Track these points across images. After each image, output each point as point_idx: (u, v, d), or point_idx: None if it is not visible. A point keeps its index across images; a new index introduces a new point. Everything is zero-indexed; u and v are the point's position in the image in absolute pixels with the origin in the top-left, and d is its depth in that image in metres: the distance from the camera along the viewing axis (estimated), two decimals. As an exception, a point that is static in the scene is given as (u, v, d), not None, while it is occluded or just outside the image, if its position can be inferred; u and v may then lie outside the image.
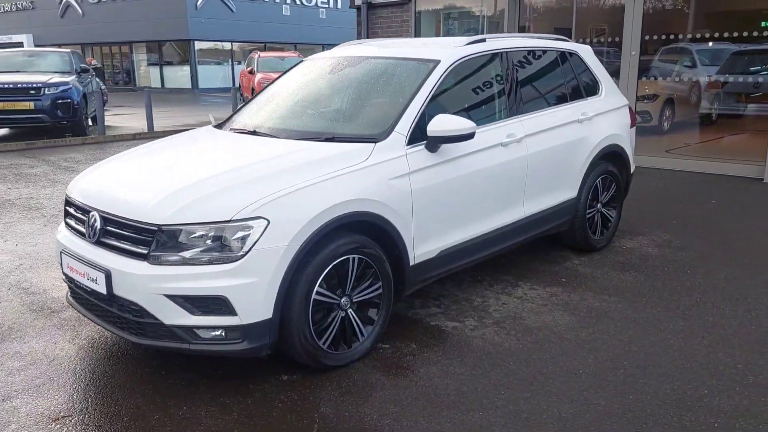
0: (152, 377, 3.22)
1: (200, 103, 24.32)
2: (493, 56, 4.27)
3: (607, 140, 5.00)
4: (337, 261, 3.16)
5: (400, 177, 3.44)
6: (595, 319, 3.87)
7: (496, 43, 4.32)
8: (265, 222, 2.90)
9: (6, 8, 40.74)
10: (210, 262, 2.87)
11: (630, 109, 5.45)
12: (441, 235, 3.74)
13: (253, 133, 3.89)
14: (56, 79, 11.86)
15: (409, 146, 3.54)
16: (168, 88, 33.90)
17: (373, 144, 3.45)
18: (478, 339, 3.62)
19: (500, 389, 3.08)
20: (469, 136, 3.59)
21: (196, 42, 33.26)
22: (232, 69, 34.68)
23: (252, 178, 3.12)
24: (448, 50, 4.01)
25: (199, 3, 32.58)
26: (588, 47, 5.28)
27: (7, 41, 39.25)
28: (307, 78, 4.42)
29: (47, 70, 12.51)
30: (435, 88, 3.76)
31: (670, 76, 9.17)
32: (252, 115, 4.25)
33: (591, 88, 5.08)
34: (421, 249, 3.61)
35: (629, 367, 3.28)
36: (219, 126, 4.30)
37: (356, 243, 3.24)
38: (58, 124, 11.86)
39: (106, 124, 13.36)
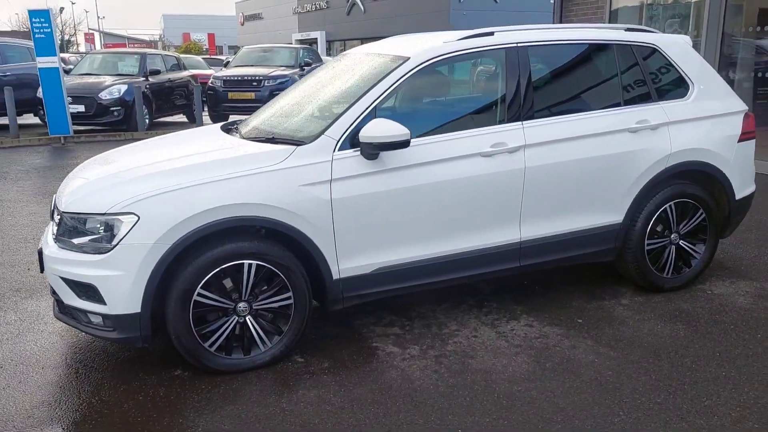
0: (79, 347, 3.54)
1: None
2: (496, 53, 3.68)
3: (684, 155, 3.97)
4: (226, 265, 3.11)
5: (318, 184, 3.22)
6: (557, 374, 3.17)
7: (507, 36, 3.70)
8: (135, 218, 2.98)
9: (308, 8, 46.48)
10: (93, 252, 3.05)
11: (747, 116, 4.23)
12: (379, 250, 3.40)
13: (235, 130, 3.97)
14: (277, 72, 13.28)
15: (341, 152, 3.29)
16: (428, 79, 35.32)
17: (295, 147, 3.28)
18: (396, 371, 3.23)
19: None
20: (402, 144, 3.20)
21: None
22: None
23: (150, 173, 3.22)
24: (426, 46, 3.57)
25: (462, -4, 33.32)
26: (681, 39, 4.21)
27: (305, 38, 44.83)
28: (316, 75, 4.32)
29: (275, 64, 14.06)
30: (391, 90, 3.40)
31: None
32: (259, 113, 4.31)
33: (671, 90, 4.06)
34: (348, 263, 3.34)
35: (519, 441, 2.64)
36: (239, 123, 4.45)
37: (254, 249, 3.14)
38: (275, 113, 13.27)
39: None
